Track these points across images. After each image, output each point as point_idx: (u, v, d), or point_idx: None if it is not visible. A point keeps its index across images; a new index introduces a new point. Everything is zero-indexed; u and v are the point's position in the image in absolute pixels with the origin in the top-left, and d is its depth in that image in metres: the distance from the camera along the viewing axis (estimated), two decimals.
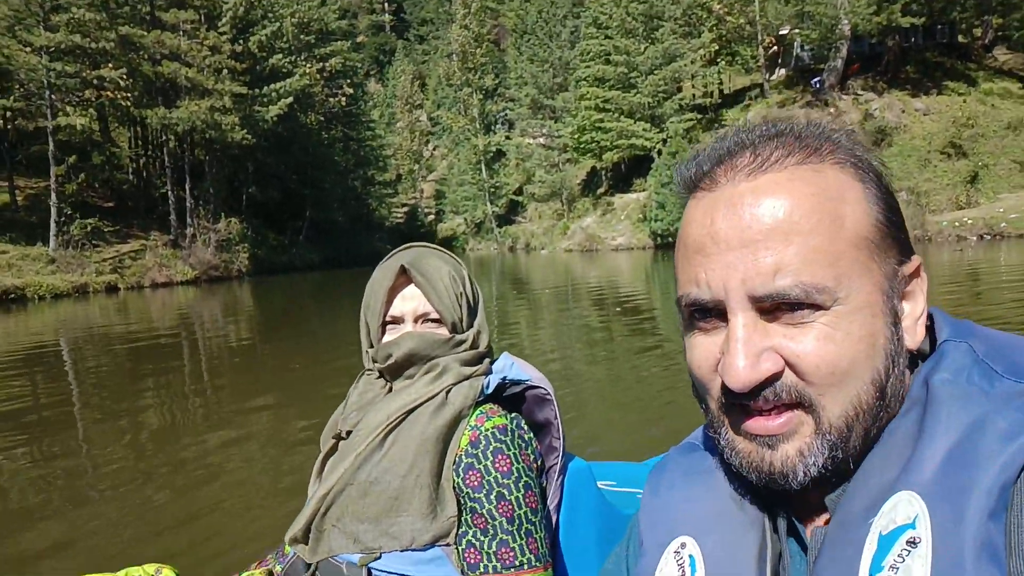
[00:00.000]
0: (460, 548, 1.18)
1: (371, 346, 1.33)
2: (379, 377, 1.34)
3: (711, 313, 0.61)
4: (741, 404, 0.60)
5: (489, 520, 1.17)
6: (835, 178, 0.60)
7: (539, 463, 1.27)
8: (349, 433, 1.30)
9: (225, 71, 29.45)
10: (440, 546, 1.17)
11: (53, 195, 25.75)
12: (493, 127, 60.70)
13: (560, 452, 1.32)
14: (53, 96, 25.72)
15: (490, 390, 1.28)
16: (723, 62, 40.87)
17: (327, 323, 13.43)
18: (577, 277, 21.33)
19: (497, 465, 1.19)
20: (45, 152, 27.73)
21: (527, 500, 1.19)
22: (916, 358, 0.64)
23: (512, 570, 1.15)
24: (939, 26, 35.67)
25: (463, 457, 1.21)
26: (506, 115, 62.78)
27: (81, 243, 26.08)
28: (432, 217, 68.81)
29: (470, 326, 1.33)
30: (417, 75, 76.66)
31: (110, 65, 26.05)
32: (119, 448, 5.13)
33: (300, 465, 4.35)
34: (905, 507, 0.54)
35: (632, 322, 10.47)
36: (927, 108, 32.91)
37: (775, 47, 40.78)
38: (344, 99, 42.78)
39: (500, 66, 63.84)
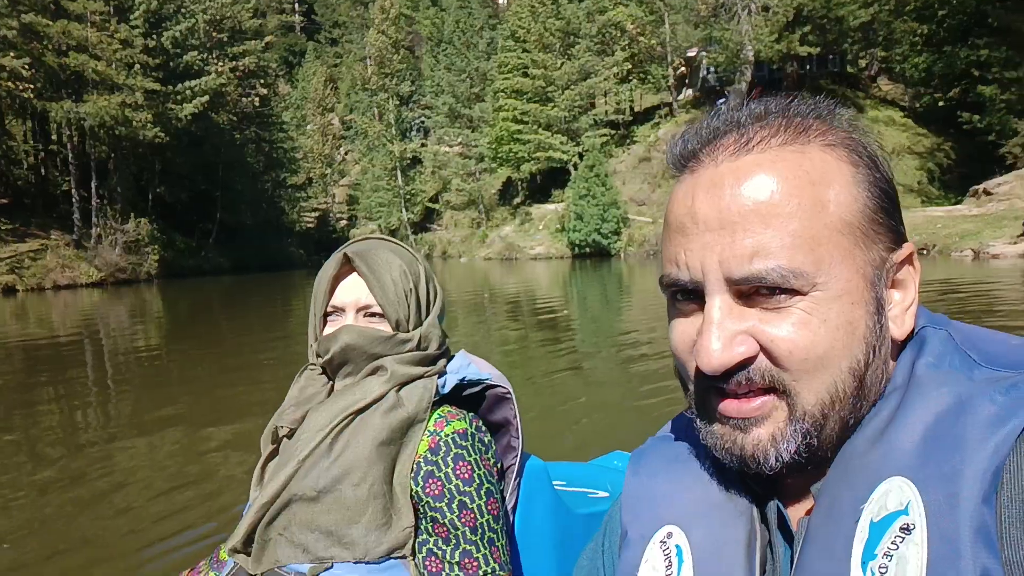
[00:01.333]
0: (420, 557, 1.15)
1: (315, 339, 1.28)
2: (322, 372, 1.28)
3: (691, 295, 0.61)
4: (717, 387, 0.60)
5: (451, 529, 1.14)
6: (821, 160, 0.59)
7: (499, 466, 1.25)
8: (290, 432, 1.24)
9: (137, 66, 28.24)
10: (395, 557, 1.14)
11: None
12: (408, 134, 60.60)
13: (518, 452, 1.30)
14: None
15: (446, 390, 1.24)
16: (635, 80, 42.52)
17: (236, 329, 13.12)
18: (496, 284, 21.55)
19: (458, 472, 1.16)
20: None
21: (489, 507, 1.16)
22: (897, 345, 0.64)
23: None
24: (831, 56, 38.55)
25: (422, 464, 1.17)
26: (422, 122, 62.81)
27: None
28: (344, 223, 67.79)
29: (417, 325, 1.27)
30: (329, 78, 75.46)
31: (11, 54, 24.52)
32: (11, 461, 4.69)
33: (208, 473, 4.23)
34: (897, 493, 0.53)
35: (548, 328, 10.60)
36: None
37: (683, 68, 42.87)
38: (257, 99, 41.75)
39: (416, 73, 63.83)
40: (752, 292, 0.57)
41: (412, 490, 1.15)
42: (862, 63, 40.26)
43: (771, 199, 0.57)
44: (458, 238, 49.68)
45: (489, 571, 1.13)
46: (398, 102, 57.47)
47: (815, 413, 0.57)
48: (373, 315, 1.24)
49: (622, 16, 39.91)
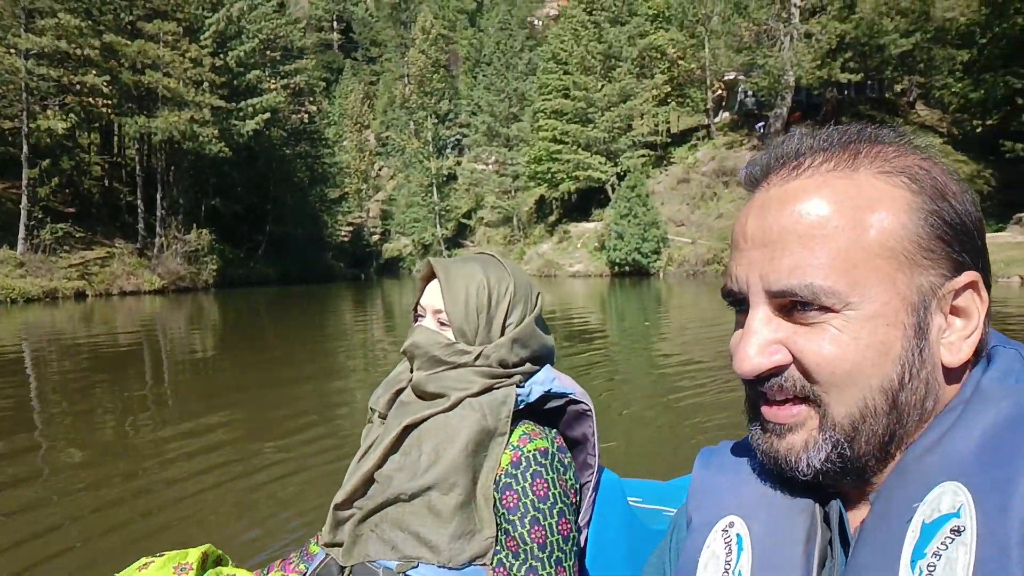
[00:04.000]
0: (492, 570, 1.18)
1: None
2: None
3: (741, 304, 0.66)
4: (761, 392, 0.64)
5: (521, 544, 1.16)
6: (870, 186, 0.61)
7: (578, 487, 1.27)
8: (380, 416, 1.34)
9: (205, 84, 29.58)
10: (477, 565, 1.17)
11: (24, 198, 25.26)
12: (444, 151, 61.81)
13: (595, 469, 1.33)
14: (30, 99, 25.37)
15: (531, 399, 1.27)
16: (673, 102, 43.28)
17: (287, 341, 13.28)
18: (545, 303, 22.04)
19: (535, 488, 1.18)
20: (6, 155, 27.23)
21: (560, 527, 1.18)
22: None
23: None
24: (869, 82, 39.07)
25: (502, 477, 1.20)
26: (458, 140, 64.02)
27: (52, 247, 25.62)
28: (377, 237, 69.03)
29: (484, 343, 1.29)
30: (365, 95, 77.14)
31: (93, 71, 25.93)
32: (76, 457, 4.78)
33: (259, 470, 4.34)
34: (950, 497, 0.54)
35: (589, 344, 10.59)
36: None
37: (721, 91, 43.58)
38: (306, 116, 43.08)
39: (452, 92, 65.20)
40: (790, 306, 0.61)
41: (495, 499, 1.19)
42: (898, 87, 40.73)
43: (810, 221, 0.60)
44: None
45: None
46: (436, 120, 58.75)
47: (845, 425, 0.60)
48: (443, 322, 1.30)
49: (663, 40, 40.76)
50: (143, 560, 1.23)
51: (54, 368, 9.35)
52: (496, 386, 1.27)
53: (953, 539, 0.52)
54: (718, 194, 36.78)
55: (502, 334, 1.30)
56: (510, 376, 1.29)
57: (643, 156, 40.04)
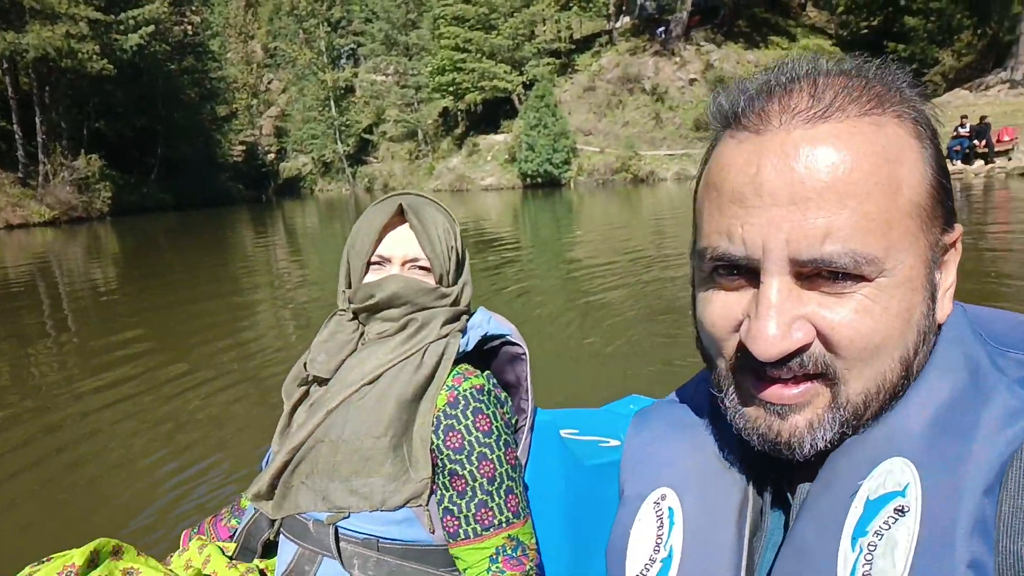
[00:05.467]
0: (437, 514, 1.18)
1: (348, 286, 1.29)
2: (352, 319, 1.29)
3: (739, 270, 0.58)
4: (758, 370, 0.57)
5: (469, 481, 1.15)
6: (895, 135, 0.55)
7: (514, 421, 1.28)
8: (321, 381, 1.27)
9: None
10: (411, 507, 1.16)
11: None
12: (339, 62, 59.04)
13: (529, 412, 1.33)
14: None
15: (469, 347, 1.27)
16: (575, 6, 42.80)
17: (192, 267, 12.86)
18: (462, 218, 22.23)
19: (478, 425, 1.18)
20: None
21: (508, 457, 1.19)
22: None
23: (492, 530, 1.14)
24: None
25: (441, 418, 1.18)
26: (353, 50, 61.14)
27: None
28: (272, 156, 66.04)
29: (455, 282, 1.30)
30: (248, 2, 71.83)
31: None
32: None
33: (181, 411, 4.21)
34: (897, 474, 0.52)
35: (505, 259, 10.51)
36: (757, 60, 37.01)
37: None
38: (190, 27, 39.94)
39: None
40: (813, 274, 0.54)
41: (433, 443, 1.18)
42: None
43: (849, 176, 0.53)
44: (399, 170, 49.49)
45: (504, 520, 1.16)
46: (328, 28, 55.78)
47: (857, 402, 0.56)
48: (418, 268, 1.26)
49: None
50: (28, 569, 1.14)
51: None
52: (452, 331, 1.27)
53: (896, 519, 0.50)
54: (623, 102, 37.23)
55: (462, 270, 1.33)
56: (459, 319, 1.30)
57: (548, 64, 39.75)
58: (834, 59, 0.59)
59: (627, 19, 43.60)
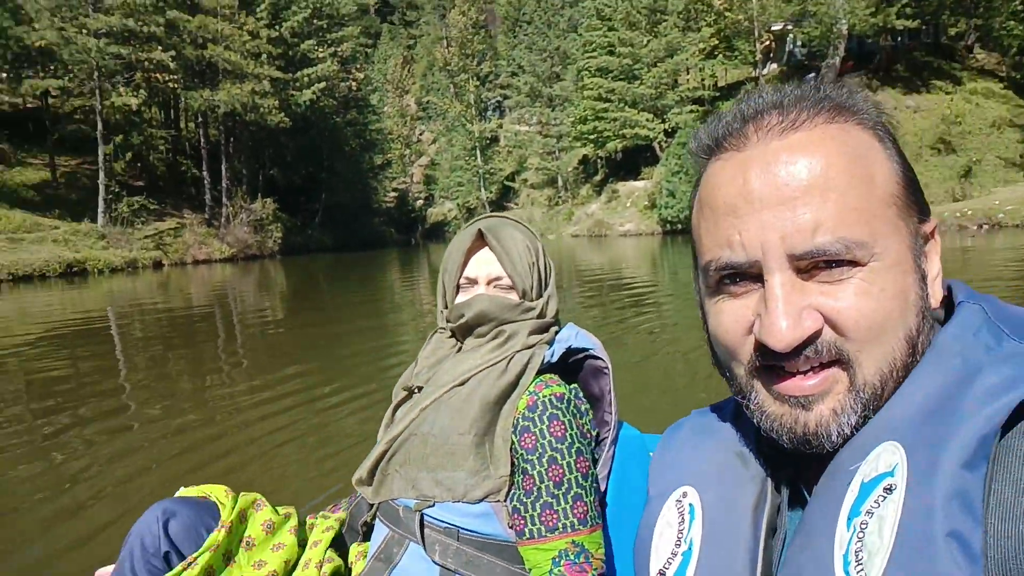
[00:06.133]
0: (508, 510, 1.22)
1: (446, 307, 1.40)
2: (450, 336, 1.40)
3: (743, 276, 0.61)
4: (773, 366, 0.60)
5: (537, 481, 1.19)
6: (860, 137, 0.61)
7: (594, 433, 1.31)
8: (420, 389, 1.37)
9: (263, 55, 30.30)
10: (490, 502, 1.22)
11: (102, 173, 26.46)
12: (486, 113, 61.84)
13: (612, 425, 1.34)
14: (101, 77, 26.41)
15: (554, 359, 1.32)
16: (720, 55, 42.65)
17: (348, 301, 14.23)
18: (592, 262, 22.07)
19: (552, 430, 1.22)
20: (80, 132, 28.38)
21: (578, 465, 1.21)
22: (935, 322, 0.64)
23: (556, 533, 1.16)
24: (924, 27, 37.98)
25: (519, 420, 1.24)
26: (499, 102, 63.94)
27: (128, 220, 26.87)
28: (421, 202, 69.70)
29: (540, 296, 1.38)
30: (404, 59, 77.15)
31: (159, 48, 26.78)
32: (160, 409, 5.33)
33: (332, 422, 4.76)
34: (888, 456, 0.54)
35: (640, 304, 10.57)
36: (917, 106, 35.16)
37: (769, 42, 42.78)
38: (354, 84, 43.57)
39: (492, 53, 65.00)
40: (811, 267, 0.58)
41: (512, 443, 1.24)
42: (953, 31, 39.51)
43: (826, 174, 0.58)
44: (538, 216, 50.75)
45: (568, 524, 1.17)
46: (477, 82, 58.74)
47: (875, 383, 0.59)
48: (502, 286, 1.35)
49: None
50: (192, 488, 1.37)
51: (137, 333, 10.23)
52: (539, 343, 1.34)
53: (885, 497, 0.52)
54: None
55: (546, 285, 1.40)
56: (548, 330, 1.38)
57: (692, 111, 39.74)
58: (792, 85, 0.65)
59: (775, 66, 42.85)
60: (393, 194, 64.42)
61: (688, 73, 43.35)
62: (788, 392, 0.60)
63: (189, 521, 1.29)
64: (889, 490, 0.52)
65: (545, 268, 1.39)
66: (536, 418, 1.23)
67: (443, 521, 1.23)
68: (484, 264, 1.35)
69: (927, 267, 0.63)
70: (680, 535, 0.68)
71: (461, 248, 1.35)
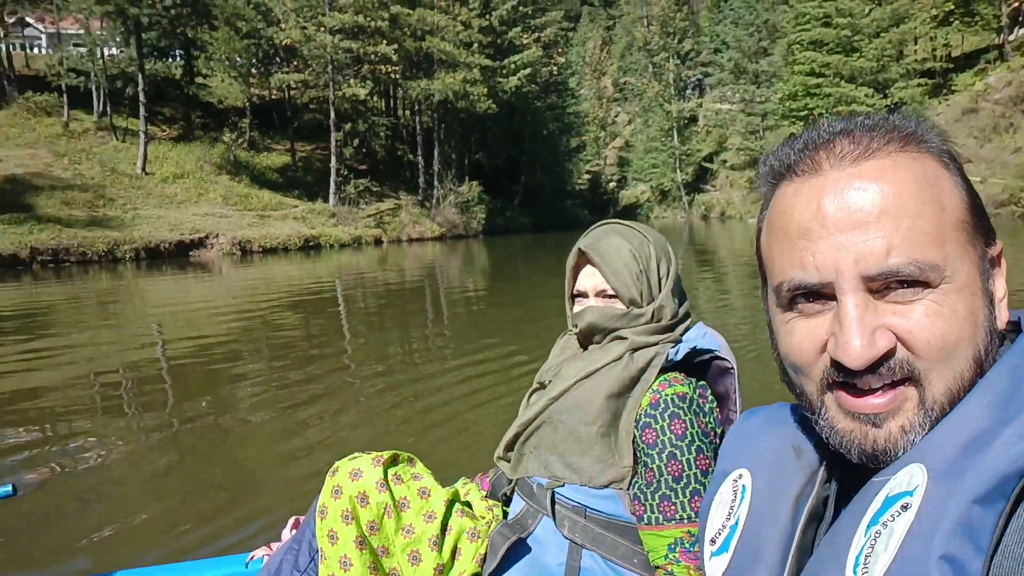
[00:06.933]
0: (630, 496, 1.31)
1: (569, 314, 1.53)
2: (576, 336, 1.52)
3: (816, 296, 0.63)
4: (845, 383, 0.62)
5: (656, 475, 1.27)
6: (930, 165, 0.62)
7: (719, 431, 1.34)
8: (550, 382, 1.50)
9: (474, 45, 31.98)
10: (614, 488, 1.31)
11: (333, 158, 29.59)
12: (685, 92, 60.35)
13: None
14: (334, 71, 29.35)
15: (678, 357, 1.36)
16: (956, 22, 38.34)
17: (541, 278, 14.87)
18: None
19: (672, 428, 1.27)
20: (314, 121, 31.71)
21: (698, 463, 1.26)
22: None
23: (673, 522, 1.24)
24: None
25: (642, 416, 1.31)
26: (699, 80, 62.11)
27: (354, 200, 29.77)
28: (614, 184, 69.64)
29: (651, 300, 1.42)
30: (603, 41, 77.15)
31: (384, 42, 29.24)
32: (375, 369, 6.25)
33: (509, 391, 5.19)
34: (914, 477, 0.56)
35: None
36: None
37: (1019, 3, 37.74)
38: (555, 68, 44.44)
39: (694, 29, 63.12)
40: (883, 287, 0.60)
41: (634, 436, 1.32)
42: None
43: (899, 200, 0.60)
44: (737, 199, 48.90)
45: (685, 516, 1.24)
46: (677, 61, 57.44)
47: (943, 401, 0.60)
48: (609, 296, 1.43)
49: None
50: (354, 454, 1.51)
51: (359, 303, 11.67)
52: (661, 341, 1.40)
53: (900, 513, 0.55)
54: (1015, 124, 32.34)
55: (660, 288, 1.44)
56: (674, 329, 1.43)
57: (920, 85, 36.20)
58: (864, 116, 0.67)
59: (1022, 31, 37.80)
60: (586, 176, 64.88)
61: (916, 43, 39.43)
62: (859, 409, 0.61)
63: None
64: (905, 507, 0.55)
65: (659, 272, 1.44)
66: (658, 415, 1.29)
67: (572, 500, 1.35)
68: (589, 278, 1.44)
69: (994, 289, 0.65)
70: (731, 511, 0.75)
71: (569, 265, 1.47)
